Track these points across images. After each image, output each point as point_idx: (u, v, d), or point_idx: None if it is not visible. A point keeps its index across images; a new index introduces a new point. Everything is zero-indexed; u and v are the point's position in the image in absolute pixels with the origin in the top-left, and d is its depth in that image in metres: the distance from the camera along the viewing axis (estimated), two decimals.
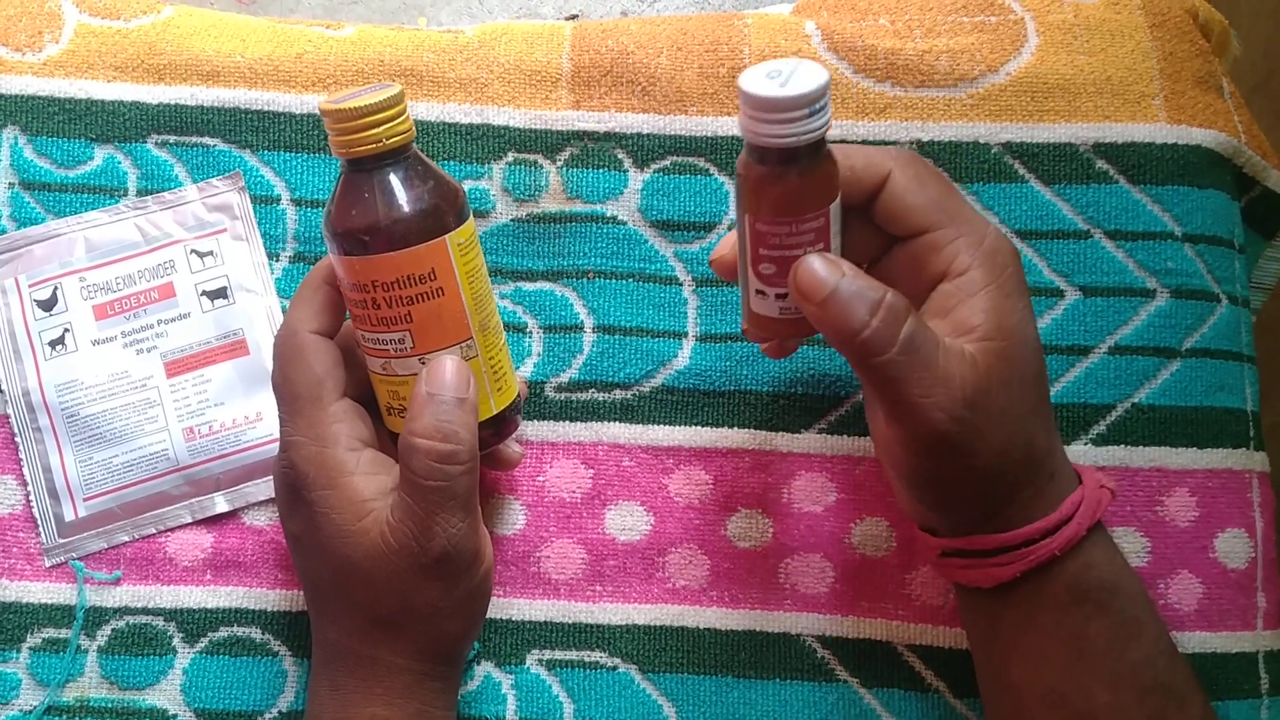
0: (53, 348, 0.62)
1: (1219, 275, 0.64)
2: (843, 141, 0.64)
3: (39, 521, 0.62)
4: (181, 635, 0.62)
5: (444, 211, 0.52)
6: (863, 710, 0.62)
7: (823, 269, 0.49)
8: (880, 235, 0.53)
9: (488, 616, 0.61)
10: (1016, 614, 0.54)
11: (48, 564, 0.62)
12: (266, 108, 0.65)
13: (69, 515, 0.62)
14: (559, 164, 0.65)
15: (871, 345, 0.48)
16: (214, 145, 0.65)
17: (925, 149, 0.64)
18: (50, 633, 0.61)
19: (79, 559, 0.62)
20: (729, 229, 0.64)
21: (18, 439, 0.62)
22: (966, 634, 0.58)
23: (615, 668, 0.62)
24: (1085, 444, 0.63)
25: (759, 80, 0.46)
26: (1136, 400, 0.63)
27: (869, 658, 0.62)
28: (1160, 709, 0.52)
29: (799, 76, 0.46)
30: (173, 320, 0.63)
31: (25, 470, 0.62)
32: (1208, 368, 0.63)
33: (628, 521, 0.63)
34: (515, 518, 0.63)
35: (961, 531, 0.53)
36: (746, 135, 0.47)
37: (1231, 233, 0.65)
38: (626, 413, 0.63)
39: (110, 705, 0.61)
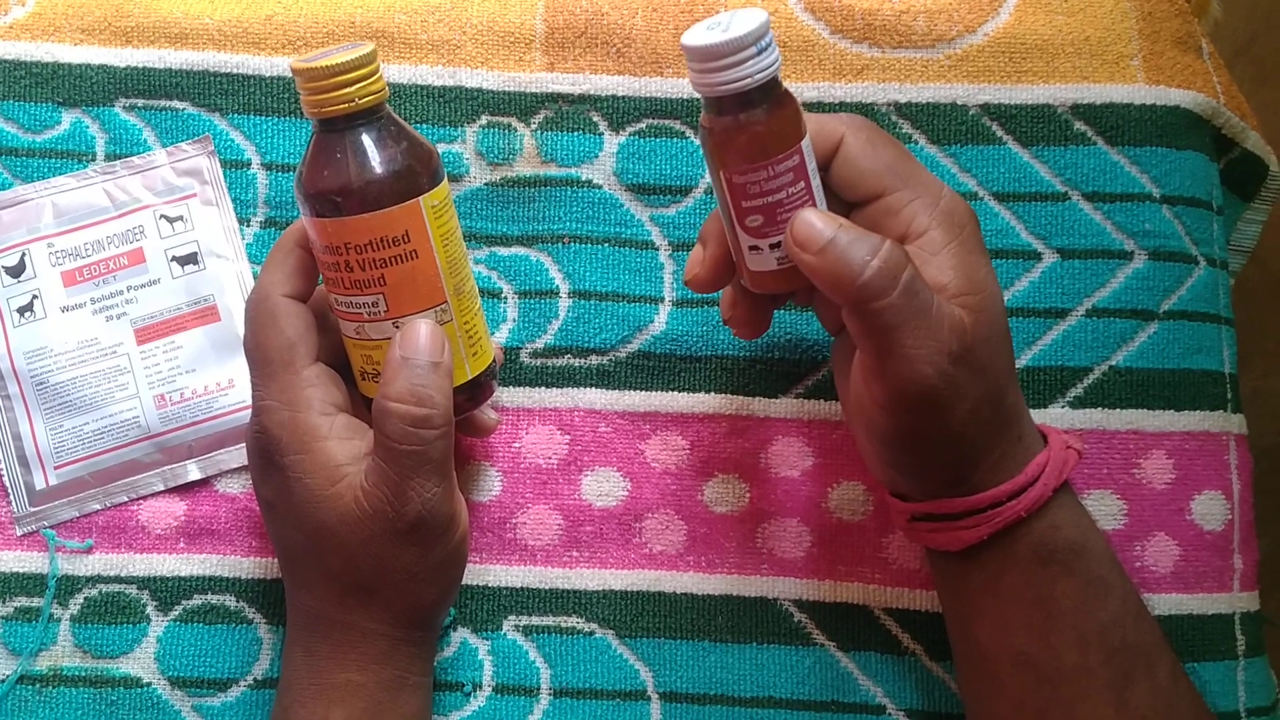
0: (21, 315, 0.62)
1: (1197, 237, 0.64)
2: (820, 104, 0.64)
3: (9, 490, 0.61)
4: (155, 603, 0.61)
5: (418, 173, 0.51)
6: (840, 673, 0.62)
7: (819, 220, 0.49)
8: (838, 204, 0.53)
9: (464, 583, 0.61)
10: (984, 576, 0.54)
11: (19, 533, 0.61)
12: (236, 70, 0.64)
13: (40, 483, 0.61)
14: (533, 127, 0.64)
15: (871, 288, 0.47)
16: (183, 109, 0.64)
17: (903, 110, 0.64)
18: (22, 601, 0.61)
19: (50, 527, 0.61)
20: (705, 194, 0.63)
21: None
22: (939, 598, 0.58)
23: (592, 633, 0.62)
24: (1062, 407, 0.63)
25: (700, 33, 0.48)
26: (1114, 363, 0.63)
27: (846, 621, 0.62)
28: (1129, 669, 0.52)
29: (738, 21, 0.47)
30: (142, 286, 0.62)
31: None
32: (1185, 330, 0.63)
33: (604, 487, 0.63)
34: (491, 484, 0.63)
35: (930, 496, 0.53)
36: (701, 90, 0.49)
37: (1210, 194, 0.65)
38: (603, 378, 0.63)
39: (84, 674, 0.61)
